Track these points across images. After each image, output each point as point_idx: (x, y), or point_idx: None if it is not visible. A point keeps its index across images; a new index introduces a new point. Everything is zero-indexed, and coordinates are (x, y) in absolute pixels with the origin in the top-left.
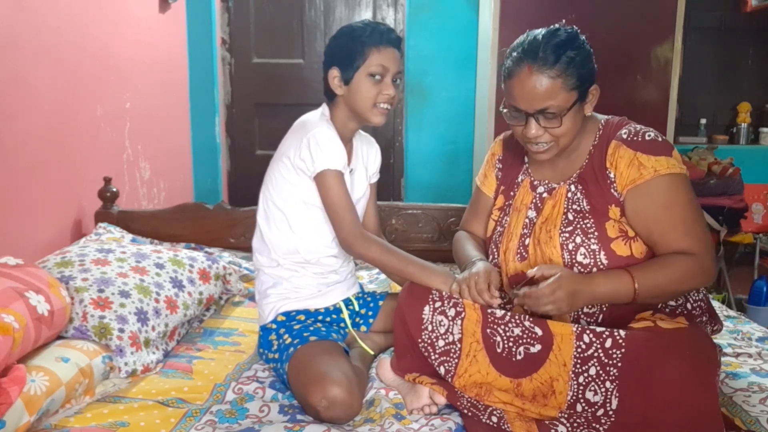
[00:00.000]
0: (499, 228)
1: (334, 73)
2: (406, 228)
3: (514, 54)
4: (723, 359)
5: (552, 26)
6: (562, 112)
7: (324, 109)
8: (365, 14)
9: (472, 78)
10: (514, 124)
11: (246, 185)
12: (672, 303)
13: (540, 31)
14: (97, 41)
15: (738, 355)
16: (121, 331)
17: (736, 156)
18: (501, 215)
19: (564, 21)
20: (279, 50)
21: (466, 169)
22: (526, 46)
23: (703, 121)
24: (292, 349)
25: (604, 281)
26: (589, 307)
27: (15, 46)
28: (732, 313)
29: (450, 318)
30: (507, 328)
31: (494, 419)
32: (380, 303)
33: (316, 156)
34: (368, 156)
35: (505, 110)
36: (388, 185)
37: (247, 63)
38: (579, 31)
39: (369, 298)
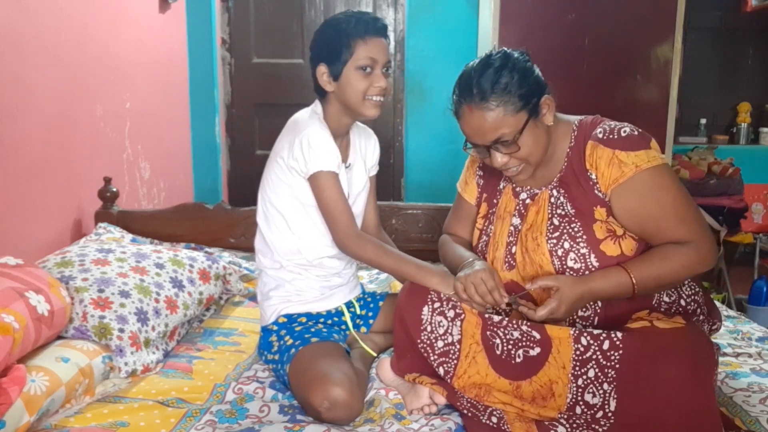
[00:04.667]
0: (484, 237)
1: (322, 70)
2: (406, 228)
3: (454, 96)
4: (723, 359)
5: (485, 54)
6: (516, 136)
7: (316, 106)
8: None
9: None
10: (481, 157)
11: (246, 185)
12: (666, 300)
13: (472, 65)
14: (97, 41)
15: (738, 355)
16: (121, 331)
17: (736, 156)
18: (485, 223)
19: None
20: (279, 50)
21: None
22: (462, 84)
23: (703, 121)
24: (293, 350)
25: (602, 282)
26: (584, 309)
27: (15, 46)
28: (732, 313)
29: (449, 319)
30: (506, 331)
31: (494, 419)
32: (380, 303)
33: (309, 157)
34: (366, 149)
35: (469, 146)
36: (388, 185)
37: (247, 63)
38: (510, 50)
39: (369, 299)
